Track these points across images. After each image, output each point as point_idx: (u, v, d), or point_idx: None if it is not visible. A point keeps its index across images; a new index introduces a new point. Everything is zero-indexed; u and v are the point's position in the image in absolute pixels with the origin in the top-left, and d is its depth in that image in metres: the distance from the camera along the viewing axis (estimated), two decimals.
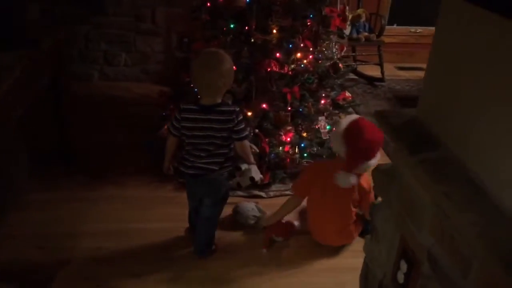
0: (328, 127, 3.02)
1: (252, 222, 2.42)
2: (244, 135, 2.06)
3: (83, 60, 4.04)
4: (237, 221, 2.45)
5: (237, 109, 2.03)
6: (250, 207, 2.46)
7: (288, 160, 2.83)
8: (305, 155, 2.94)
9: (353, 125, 2.09)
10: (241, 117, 2.03)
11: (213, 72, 1.90)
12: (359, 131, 2.06)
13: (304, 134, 2.94)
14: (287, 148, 2.84)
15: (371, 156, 2.08)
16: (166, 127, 2.11)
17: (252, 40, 2.63)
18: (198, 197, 2.17)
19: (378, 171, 1.48)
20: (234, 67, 2.02)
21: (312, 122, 2.93)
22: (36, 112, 2.51)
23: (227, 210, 2.39)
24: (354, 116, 2.24)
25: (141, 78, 4.17)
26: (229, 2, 2.58)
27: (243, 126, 2.04)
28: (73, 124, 3.05)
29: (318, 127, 2.96)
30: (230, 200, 2.33)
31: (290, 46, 2.68)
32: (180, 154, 2.12)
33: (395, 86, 4.60)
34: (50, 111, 2.74)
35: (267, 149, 2.74)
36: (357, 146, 2.06)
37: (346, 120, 2.18)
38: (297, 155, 2.88)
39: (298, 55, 2.73)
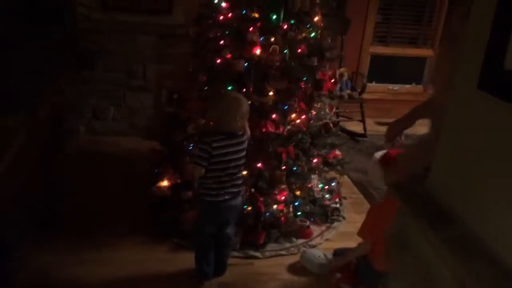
0: (320, 185, 3.07)
1: (317, 268, 2.60)
2: None
3: (70, 115, 4.01)
4: (303, 266, 2.65)
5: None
6: (317, 254, 2.67)
7: (283, 218, 2.85)
8: (299, 213, 2.98)
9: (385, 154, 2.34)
10: None
11: (233, 114, 2.22)
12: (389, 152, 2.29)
13: (298, 193, 2.98)
14: (281, 206, 2.86)
15: None
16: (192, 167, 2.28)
17: (249, 102, 2.69)
18: (221, 222, 2.37)
19: (389, 238, 1.51)
20: None
21: (305, 180, 2.99)
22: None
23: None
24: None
25: (129, 132, 4.17)
26: (228, 65, 2.66)
27: None
28: (62, 181, 3.00)
29: (311, 186, 3.01)
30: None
31: (286, 107, 2.76)
32: (205, 185, 2.28)
33: (377, 141, 4.74)
34: (42, 170, 2.68)
35: (263, 208, 2.76)
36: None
37: (377, 153, 2.37)
38: (291, 214, 2.90)
39: (293, 116, 2.81)
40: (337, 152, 3.23)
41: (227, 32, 2.78)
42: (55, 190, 2.83)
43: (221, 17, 2.77)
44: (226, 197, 2.28)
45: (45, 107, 2.32)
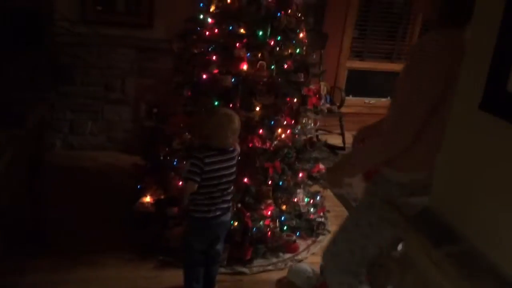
0: (306, 199, 3.09)
1: (304, 283, 2.59)
2: None
3: (46, 129, 3.90)
4: (290, 281, 2.64)
5: None
6: (304, 268, 2.67)
7: (270, 233, 2.84)
8: (285, 228, 2.97)
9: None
10: None
11: (226, 131, 2.22)
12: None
13: (284, 207, 2.98)
14: (267, 221, 2.86)
15: None
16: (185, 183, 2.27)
17: None
18: (211, 239, 2.34)
19: (390, 260, 1.52)
20: None
21: (291, 195, 2.99)
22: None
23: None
24: None
25: (107, 146, 4.08)
26: (215, 81, 2.65)
27: None
28: (41, 197, 2.89)
29: (297, 200, 3.02)
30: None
31: (272, 123, 2.77)
32: (196, 201, 2.26)
33: None
34: (24, 185, 2.59)
35: (250, 224, 2.74)
36: None
37: None
38: (278, 229, 2.90)
39: (279, 131, 2.83)
40: (321, 166, 3.25)
41: (212, 47, 2.77)
42: (40, 201, 2.73)
43: (207, 33, 2.77)
44: (218, 213, 2.27)
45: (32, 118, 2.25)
